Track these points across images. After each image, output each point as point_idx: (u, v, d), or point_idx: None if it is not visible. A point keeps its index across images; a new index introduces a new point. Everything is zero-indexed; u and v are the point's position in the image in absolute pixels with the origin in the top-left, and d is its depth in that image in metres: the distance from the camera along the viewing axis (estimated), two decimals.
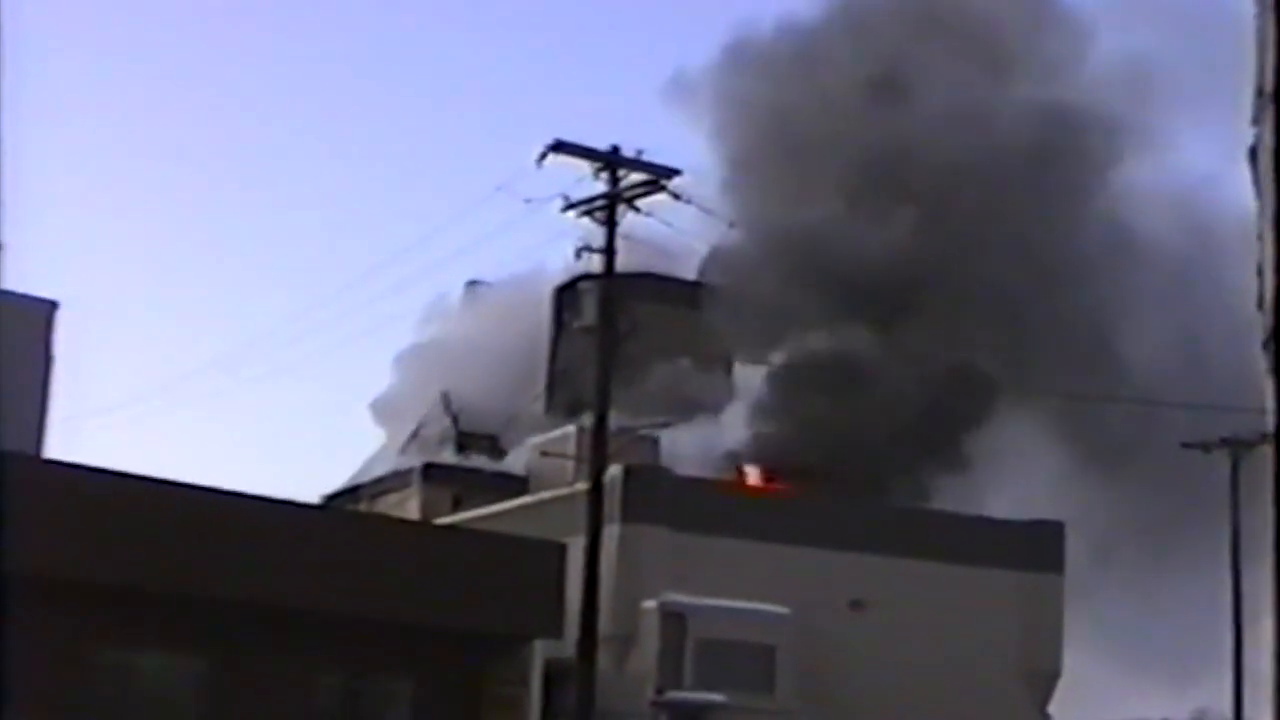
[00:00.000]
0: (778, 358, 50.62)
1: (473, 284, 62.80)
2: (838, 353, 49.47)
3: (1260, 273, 6.43)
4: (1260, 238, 6.41)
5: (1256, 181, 6.49)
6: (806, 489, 45.46)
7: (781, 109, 54.98)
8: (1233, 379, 32.72)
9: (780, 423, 49.79)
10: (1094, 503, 49.56)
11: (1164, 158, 56.66)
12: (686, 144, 54.49)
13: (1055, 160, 53.29)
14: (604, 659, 35.70)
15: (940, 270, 51.47)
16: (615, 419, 35.92)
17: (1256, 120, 6.51)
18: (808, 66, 55.47)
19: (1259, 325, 6.44)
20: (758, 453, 48.72)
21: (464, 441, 56.17)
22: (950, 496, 48.10)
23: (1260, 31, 6.64)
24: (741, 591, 41.25)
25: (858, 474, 47.99)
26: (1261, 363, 6.42)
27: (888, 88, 54.10)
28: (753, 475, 47.48)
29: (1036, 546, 45.83)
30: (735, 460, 48.85)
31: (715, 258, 50.99)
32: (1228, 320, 39.52)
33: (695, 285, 53.11)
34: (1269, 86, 6.40)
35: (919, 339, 49.88)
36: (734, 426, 50.87)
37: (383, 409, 63.26)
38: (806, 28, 56.67)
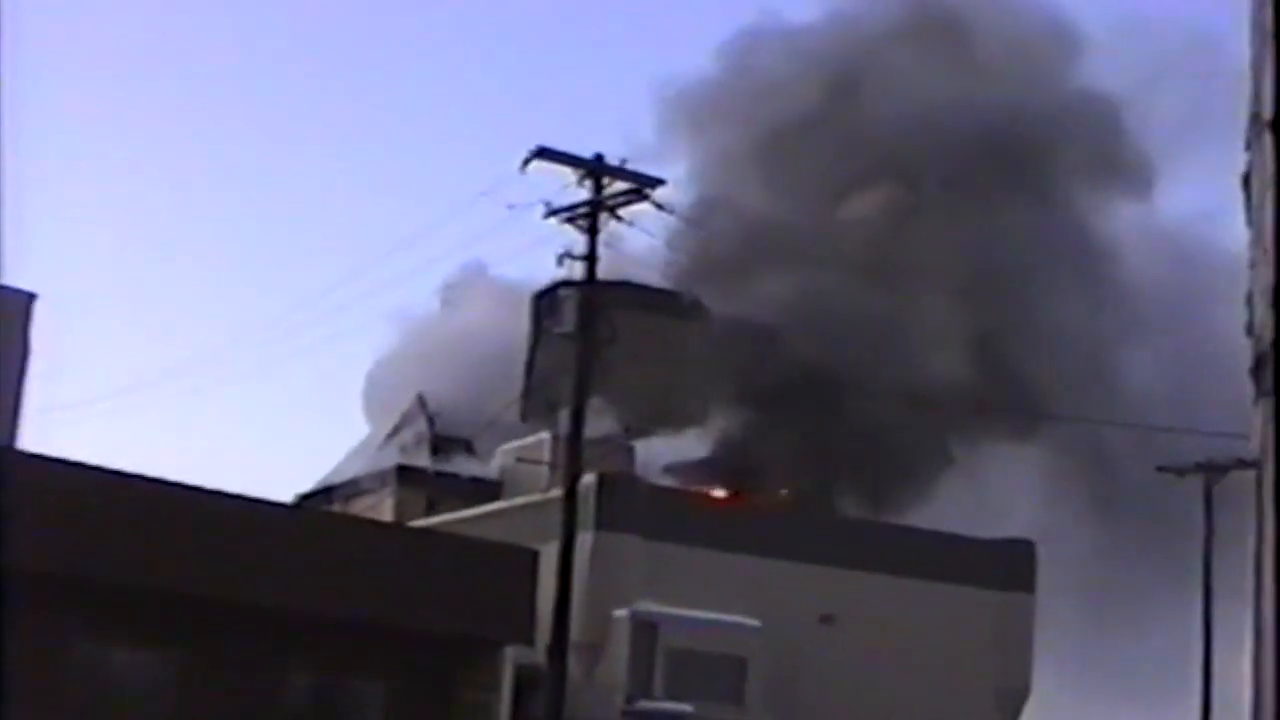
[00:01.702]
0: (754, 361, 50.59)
1: (448, 288, 62.57)
2: (815, 360, 49.42)
3: (1250, 301, 6.41)
4: (1252, 265, 6.39)
5: (1249, 208, 6.47)
6: (773, 504, 45.38)
7: (757, 118, 55.26)
8: (1219, 408, 32.67)
9: (751, 430, 49.79)
10: (1067, 523, 49.60)
11: (1153, 190, 56.76)
12: (671, 151, 54.33)
13: (1038, 173, 53.64)
14: (574, 666, 35.67)
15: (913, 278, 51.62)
16: (591, 426, 35.86)
17: (1249, 146, 6.50)
18: (786, 75, 55.76)
19: (1248, 352, 6.43)
20: (724, 462, 48.63)
21: (439, 445, 56.05)
22: (922, 513, 48.11)
23: (1255, 58, 6.62)
24: (713, 602, 41.27)
25: (821, 487, 48.08)
26: (1249, 389, 6.41)
27: (851, 87, 54.48)
28: (719, 491, 47.02)
29: (1008, 565, 45.89)
30: (702, 470, 48.74)
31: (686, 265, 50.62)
32: (1215, 349, 39.55)
33: (675, 294, 53.04)
34: (1267, 113, 6.37)
35: (897, 347, 49.88)
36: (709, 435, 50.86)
37: (363, 407, 63.19)
38: (788, 31, 57.02)
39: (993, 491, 49.55)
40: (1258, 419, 6.48)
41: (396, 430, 58.49)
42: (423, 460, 55.16)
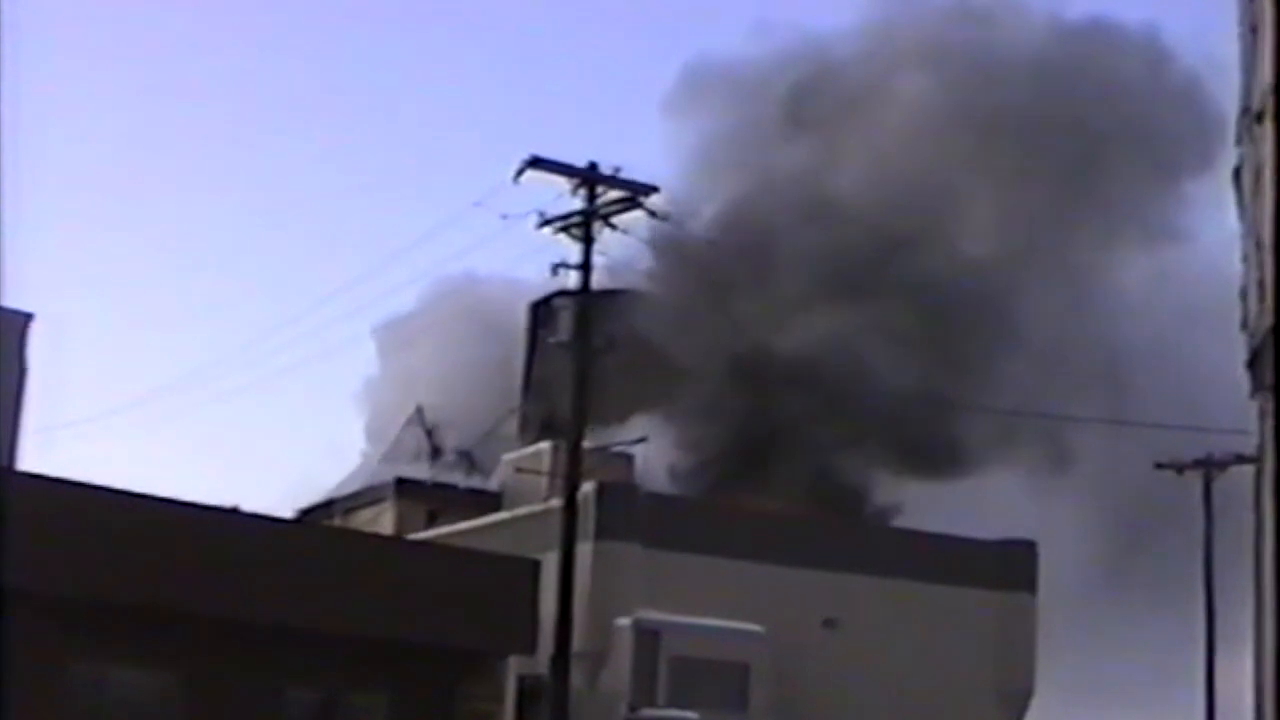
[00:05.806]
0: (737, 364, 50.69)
1: (441, 299, 62.52)
2: (804, 360, 49.43)
3: (1244, 296, 6.42)
4: (1244, 259, 6.41)
5: (1240, 202, 6.50)
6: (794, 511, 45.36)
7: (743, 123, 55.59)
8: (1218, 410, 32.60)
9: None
10: (1068, 523, 49.57)
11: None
12: (666, 158, 54.54)
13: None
14: (577, 676, 35.63)
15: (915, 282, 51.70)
16: (589, 435, 35.84)
17: (1240, 141, 6.52)
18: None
19: (1243, 346, 6.44)
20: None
21: (439, 457, 56.02)
22: (924, 515, 48.10)
23: (1244, 53, 6.65)
24: (715, 609, 41.22)
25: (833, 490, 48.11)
26: (1244, 384, 6.41)
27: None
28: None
29: (1010, 566, 45.87)
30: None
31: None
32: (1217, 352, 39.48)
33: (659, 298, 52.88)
34: (1256, 104, 6.41)
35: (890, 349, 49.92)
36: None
37: (361, 418, 63.19)
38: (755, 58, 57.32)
39: (995, 493, 49.56)
40: (1255, 413, 6.50)
41: (395, 444, 58.47)
42: (422, 473, 55.14)
